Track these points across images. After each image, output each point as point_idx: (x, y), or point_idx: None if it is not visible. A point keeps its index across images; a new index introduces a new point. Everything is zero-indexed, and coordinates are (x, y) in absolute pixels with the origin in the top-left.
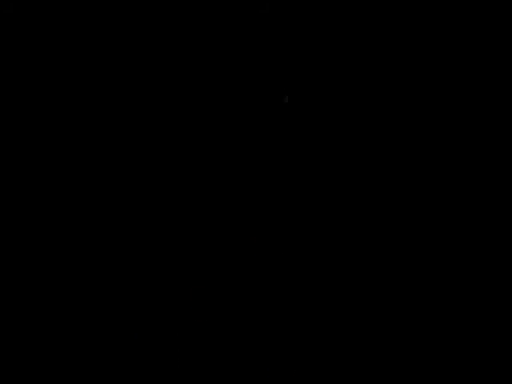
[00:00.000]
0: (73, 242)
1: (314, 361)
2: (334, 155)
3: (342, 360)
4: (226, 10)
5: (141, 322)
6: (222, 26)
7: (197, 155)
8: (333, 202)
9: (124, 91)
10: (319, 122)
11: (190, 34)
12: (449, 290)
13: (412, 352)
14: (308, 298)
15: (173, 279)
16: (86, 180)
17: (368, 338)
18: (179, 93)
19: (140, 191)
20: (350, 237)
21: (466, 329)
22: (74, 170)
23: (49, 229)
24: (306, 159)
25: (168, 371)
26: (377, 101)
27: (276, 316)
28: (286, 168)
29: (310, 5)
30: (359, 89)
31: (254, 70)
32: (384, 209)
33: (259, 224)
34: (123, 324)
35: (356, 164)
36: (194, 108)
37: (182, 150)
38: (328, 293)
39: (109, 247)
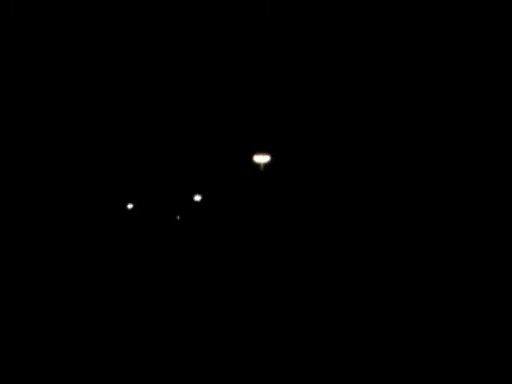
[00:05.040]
0: (73, 245)
1: (313, 361)
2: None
3: (342, 360)
4: (226, 10)
5: (141, 322)
6: (221, 25)
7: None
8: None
9: (123, 92)
10: None
11: (189, 34)
12: (447, 292)
13: (411, 352)
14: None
15: (174, 281)
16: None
17: (367, 339)
18: (176, 94)
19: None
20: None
21: (465, 329)
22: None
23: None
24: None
25: (168, 371)
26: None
27: (276, 317)
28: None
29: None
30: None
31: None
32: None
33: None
34: (123, 324)
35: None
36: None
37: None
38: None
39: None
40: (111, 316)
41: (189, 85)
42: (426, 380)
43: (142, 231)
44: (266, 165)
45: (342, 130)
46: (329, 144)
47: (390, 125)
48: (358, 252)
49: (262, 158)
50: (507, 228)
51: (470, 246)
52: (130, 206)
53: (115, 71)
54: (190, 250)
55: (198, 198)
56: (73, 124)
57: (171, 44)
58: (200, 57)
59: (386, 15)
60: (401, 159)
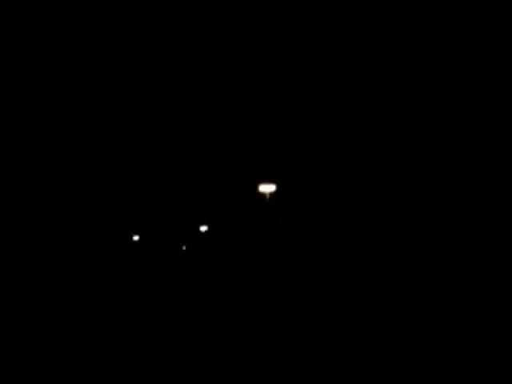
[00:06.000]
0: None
1: (313, 361)
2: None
3: (341, 360)
4: (226, 10)
5: (141, 322)
6: (222, 25)
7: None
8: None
9: (123, 92)
10: None
11: (189, 34)
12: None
13: (410, 352)
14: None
15: (176, 283)
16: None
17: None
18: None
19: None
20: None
21: (464, 329)
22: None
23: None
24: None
25: (168, 371)
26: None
27: (276, 317)
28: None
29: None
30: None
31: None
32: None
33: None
34: (123, 325)
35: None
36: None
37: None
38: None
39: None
40: (117, 330)
41: (193, 112)
42: (426, 380)
43: (148, 261)
44: (272, 194)
45: (348, 156)
46: (334, 171)
47: (397, 150)
48: (362, 275)
49: (267, 188)
50: (507, 228)
51: (471, 246)
52: (135, 238)
53: (120, 100)
54: (196, 279)
55: (203, 228)
56: (76, 146)
57: (172, 62)
58: (204, 78)
59: (390, 17)
60: (410, 185)
